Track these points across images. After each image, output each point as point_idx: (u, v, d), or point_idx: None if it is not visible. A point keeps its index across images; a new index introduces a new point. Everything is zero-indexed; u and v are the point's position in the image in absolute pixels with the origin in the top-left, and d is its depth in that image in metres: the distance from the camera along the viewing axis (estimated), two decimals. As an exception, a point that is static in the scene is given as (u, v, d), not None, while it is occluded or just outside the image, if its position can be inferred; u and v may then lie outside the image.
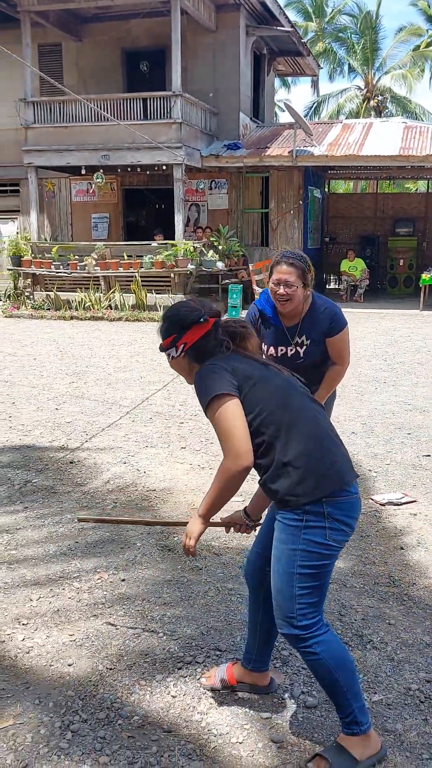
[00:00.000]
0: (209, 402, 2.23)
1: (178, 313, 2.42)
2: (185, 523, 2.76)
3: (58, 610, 3.26)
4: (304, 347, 3.62)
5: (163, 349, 2.45)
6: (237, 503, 4.51)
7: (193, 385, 2.41)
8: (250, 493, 4.74)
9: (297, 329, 3.60)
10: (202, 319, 2.37)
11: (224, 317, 2.52)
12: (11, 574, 3.60)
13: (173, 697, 2.64)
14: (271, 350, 3.66)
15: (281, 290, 3.43)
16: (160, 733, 2.44)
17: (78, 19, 17.05)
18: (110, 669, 2.80)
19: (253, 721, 2.52)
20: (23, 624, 3.12)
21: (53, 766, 2.27)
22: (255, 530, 2.72)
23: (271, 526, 2.44)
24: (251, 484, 3.18)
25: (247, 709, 2.58)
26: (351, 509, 2.28)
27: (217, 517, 2.49)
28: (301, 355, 3.64)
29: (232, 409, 2.21)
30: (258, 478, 2.38)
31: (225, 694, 2.66)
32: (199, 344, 2.38)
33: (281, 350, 3.65)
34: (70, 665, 2.82)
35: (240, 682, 2.67)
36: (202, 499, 2.36)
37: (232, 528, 2.71)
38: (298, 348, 3.63)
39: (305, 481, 2.22)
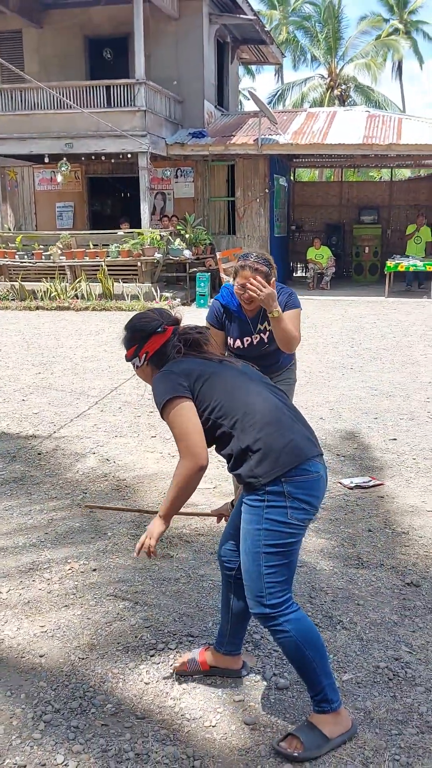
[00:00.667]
0: (163, 406, 2.34)
1: (138, 324, 2.54)
2: (190, 514, 2.84)
3: (28, 601, 3.24)
4: (268, 332, 3.69)
5: (127, 359, 2.57)
6: (208, 490, 4.54)
7: None
8: (220, 479, 4.75)
9: (259, 317, 3.68)
10: (159, 329, 2.50)
11: (183, 324, 2.61)
12: (-20, 566, 3.57)
13: (146, 683, 2.65)
14: (238, 342, 3.74)
15: (246, 295, 3.50)
16: (134, 719, 2.45)
17: (39, 5, 16.78)
18: (82, 659, 2.80)
19: (225, 704, 2.54)
20: (-7, 616, 3.10)
21: (26, 757, 2.27)
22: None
23: (239, 511, 2.50)
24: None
25: (219, 693, 2.60)
26: (312, 488, 2.33)
27: (207, 509, 2.55)
28: (266, 340, 3.72)
29: (185, 411, 2.32)
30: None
31: (198, 678, 2.68)
32: (159, 352, 2.50)
33: (247, 340, 3.73)
34: (41, 656, 2.81)
35: (213, 666, 2.70)
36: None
37: (223, 518, 2.88)
38: (262, 335, 3.71)
39: (263, 462, 2.29)
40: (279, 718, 2.47)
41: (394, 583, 3.39)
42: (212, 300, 3.84)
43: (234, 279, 3.60)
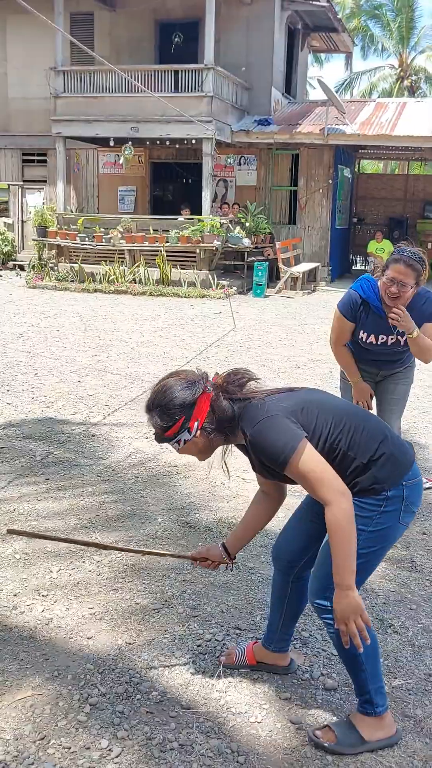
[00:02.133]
0: (288, 458, 2.10)
1: (176, 395, 2.20)
2: (172, 556, 2.84)
3: (78, 582, 3.26)
4: (405, 336, 3.69)
5: (169, 438, 2.25)
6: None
7: (206, 459, 2.35)
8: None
9: None
10: (209, 388, 2.23)
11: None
12: (31, 545, 3.61)
13: (192, 674, 2.63)
14: (372, 338, 3.77)
15: (394, 288, 3.52)
16: (179, 709, 2.43)
17: (111, -13, 16.84)
18: (129, 644, 2.79)
19: (272, 701, 2.50)
20: (43, 595, 3.13)
21: (71, 739, 2.27)
22: (226, 568, 2.63)
23: (307, 511, 2.47)
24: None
25: (266, 689, 2.57)
26: (420, 491, 2.32)
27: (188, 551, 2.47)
28: (401, 343, 3.77)
29: (310, 454, 2.11)
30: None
31: (244, 673, 2.65)
32: (213, 415, 2.22)
33: (382, 338, 3.77)
34: (89, 638, 2.82)
35: (260, 662, 2.66)
36: (340, 568, 2.09)
37: (198, 562, 2.57)
38: (399, 337, 3.75)
39: (385, 468, 2.22)
40: (325, 719, 2.42)
41: (449, 590, 3.29)
42: (349, 290, 3.83)
43: (382, 272, 3.62)
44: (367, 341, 3.78)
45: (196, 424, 2.21)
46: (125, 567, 3.41)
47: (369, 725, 2.27)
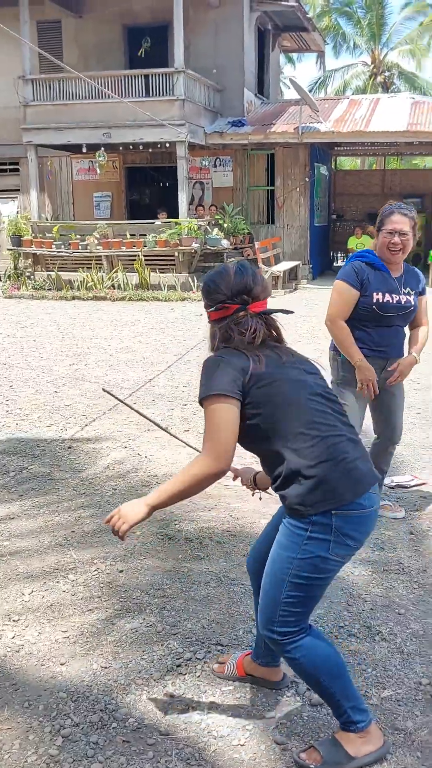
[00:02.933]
0: (205, 398, 2.07)
1: (205, 287, 2.27)
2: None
3: (51, 604, 3.11)
4: (412, 296, 3.71)
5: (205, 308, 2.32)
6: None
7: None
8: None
9: (401, 280, 3.70)
10: (217, 307, 2.23)
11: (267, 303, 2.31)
12: (3, 566, 3.46)
13: (171, 696, 2.49)
14: (387, 296, 3.66)
15: (396, 239, 3.53)
16: (157, 736, 2.30)
17: (78, -6, 16.71)
18: (105, 668, 2.65)
19: (256, 720, 2.37)
20: (14, 620, 2.98)
21: (41, 775, 2.13)
22: (256, 495, 2.62)
23: (279, 520, 2.27)
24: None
25: (250, 708, 2.43)
26: (362, 524, 2.10)
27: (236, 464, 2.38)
28: (412, 302, 3.72)
29: (226, 413, 2.05)
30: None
31: (227, 691, 2.52)
32: (220, 324, 2.21)
33: (395, 297, 3.67)
34: (62, 664, 2.68)
35: (249, 674, 2.55)
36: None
37: (239, 479, 2.62)
38: (408, 297, 3.70)
39: (315, 491, 2.04)
40: (312, 737, 2.29)
41: (438, 592, 3.18)
42: (346, 263, 3.80)
43: (377, 231, 3.63)
44: (384, 300, 3.63)
45: (209, 316, 2.27)
46: (102, 585, 3.27)
47: (354, 741, 2.15)
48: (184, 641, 2.82)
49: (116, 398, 3.00)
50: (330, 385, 2.42)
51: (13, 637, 2.85)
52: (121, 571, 3.39)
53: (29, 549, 3.64)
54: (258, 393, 2.09)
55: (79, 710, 2.42)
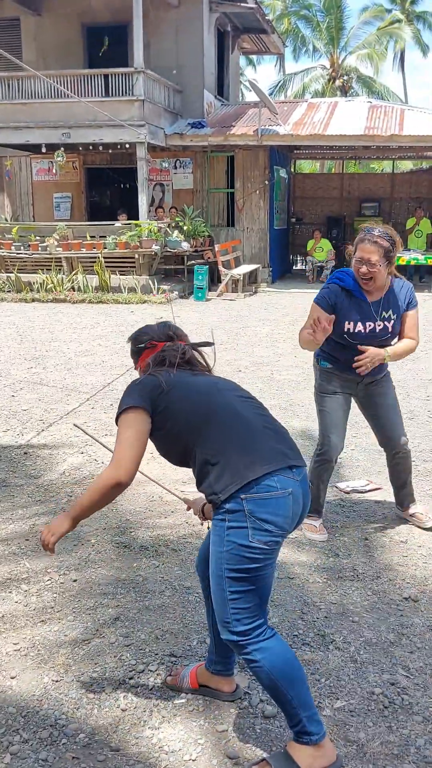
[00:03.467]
0: (118, 415, 2.26)
1: (132, 337, 2.54)
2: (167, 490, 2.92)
3: (3, 615, 3.06)
4: (392, 321, 3.56)
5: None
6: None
7: None
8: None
9: (381, 303, 3.55)
10: (145, 345, 2.47)
11: (175, 343, 2.49)
12: None
13: (123, 710, 2.47)
14: (359, 326, 3.54)
15: (363, 269, 3.41)
16: (108, 752, 2.27)
17: (36, -9, 16.51)
18: (56, 681, 2.61)
19: (208, 734, 2.36)
20: (-36, 632, 2.92)
21: (-12, 796, 2.09)
22: (205, 524, 2.65)
23: None
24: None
25: (201, 722, 2.42)
26: (276, 506, 2.11)
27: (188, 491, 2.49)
28: (389, 330, 3.58)
29: (133, 423, 2.21)
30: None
31: (180, 704, 2.50)
32: (146, 367, 2.44)
33: (369, 326, 3.55)
34: (12, 678, 2.63)
35: (203, 685, 2.54)
36: (78, 501, 2.27)
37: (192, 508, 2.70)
38: (386, 323, 3.57)
39: (221, 477, 2.13)
40: (265, 750, 2.29)
41: (392, 598, 3.20)
42: (326, 283, 3.70)
43: (353, 253, 3.48)
44: (356, 330, 3.52)
45: (139, 369, 2.50)
46: (55, 595, 3.22)
47: (308, 755, 2.14)
48: (137, 653, 2.79)
49: (87, 434, 3.05)
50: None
51: (-39, 652, 2.79)
52: (75, 581, 3.35)
53: (-19, 560, 3.57)
54: (166, 399, 2.25)
55: (29, 726, 2.38)
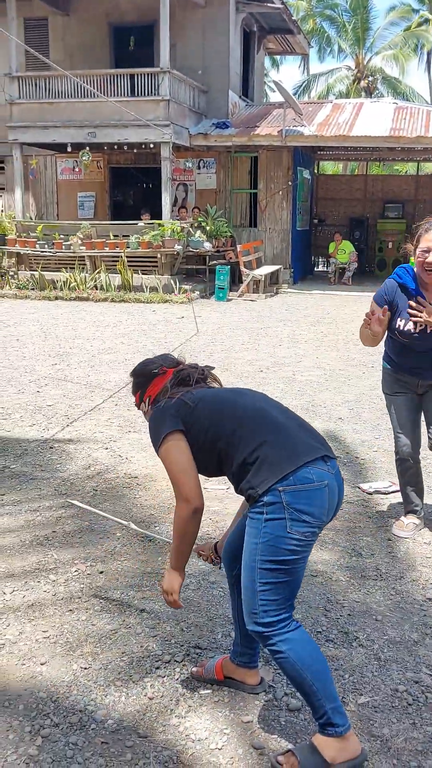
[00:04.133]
0: (158, 448, 2.31)
1: (138, 369, 2.56)
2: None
3: (32, 604, 3.12)
4: None
5: (137, 406, 2.57)
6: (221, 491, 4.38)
7: None
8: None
9: None
10: (157, 371, 2.49)
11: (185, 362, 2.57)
12: (-16, 565, 3.46)
13: (150, 698, 2.52)
14: (410, 325, 3.48)
15: (430, 258, 3.32)
16: (135, 738, 2.32)
17: (64, -9, 16.65)
18: (85, 668, 2.67)
19: (233, 725, 2.40)
20: (-5, 620, 2.99)
21: (21, 776, 2.14)
22: (214, 564, 2.71)
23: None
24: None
25: (227, 712, 2.46)
26: (314, 497, 2.17)
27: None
28: None
29: (177, 451, 2.27)
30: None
31: (205, 695, 2.54)
32: (160, 395, 2.45)
33: (420, 325, 3.46)
34: (42, 664, 2.69)
35: (228, 677, 2.58)
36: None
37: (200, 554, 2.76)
38: None
39: (259, 472, 2.19)
40: (289, 742, 2.32)
41: (415, 598, 3.23)
42: (388, 278, 3.60)
43: (414, 246, 3.40)
44: (405, 329, 3.47)
45: (147, 399, 2.50)
46: (82, 586, 3.28)
47: (332, 747, 2.18)
48: (163, 643, 2.84)
49: (82, 507, 3.27)
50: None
51: (-7, 638, 2.86)
52: (102, 573, 3.41)
53: (10, 548, 3.64)
54: (194, 415, 2.32)
55: (59, 711, 2.44)
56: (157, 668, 2.69)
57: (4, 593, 3.21)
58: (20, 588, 3.26)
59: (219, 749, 2.28)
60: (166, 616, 3.03)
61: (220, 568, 2.73)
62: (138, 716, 2.43)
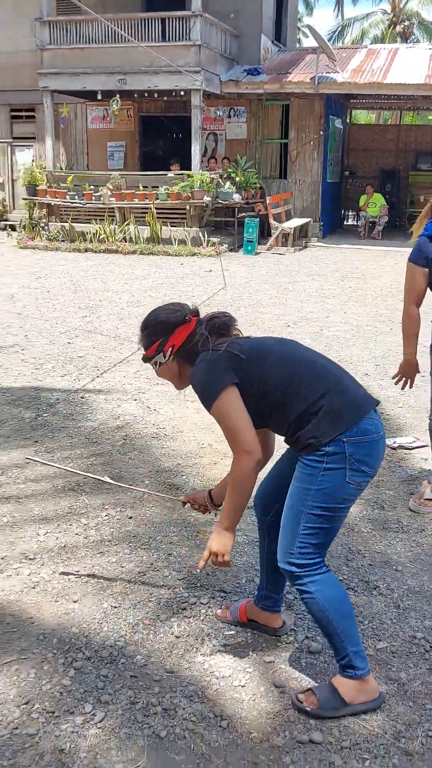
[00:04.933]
0: (212, 402, 2.23)
1: (161, 316, 2.39)
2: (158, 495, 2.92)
3: (65, 546, 3.26)
4: None
5: (148, 358, 2.42)
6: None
7: (182, 389, 2.53)
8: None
9: None
10: (186, 318, 2.36)
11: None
12: (19, 508, 3.60)
13: (177, 637, 2.64)
14: None
15: None
16: (163, 673, 2.45)
17: None
18: (115, 607, 2.80)
19: (255, 664, 2.52)
20: (30, 559, 3.13)
21: (55, 703, 2.28)
22: (214, 514, 2.74)
23: (289, 458, 2.45)
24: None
25: (249, 653, 2.58)
26: (373, 449, 2.24)
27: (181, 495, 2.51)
28: None
29: (232, 405, 2.21)
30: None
31: (229, 635, 2.66)
32: (186, 344, 2.36)
33: None
34: (75, 602, 2.83)
35: (251, 620, 2.69)
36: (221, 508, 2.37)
37: (188, 504, 2.77)
38: None
39: (322, 422, 2.20)
40: (309, 682, 2.44)
41: (435, 550, 3.30)
42: (418, 237, 3.55)
43: None
44: None
45: (170, 348, 2.36)
46: (112, 530, 3.41)
47: (351, 688, 2.28)
48: (189, 586, 2.96)
49: (44, 462, 3.41)
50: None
51: (29, 574, 3.00)
52: (131, 518, 3.53)
53: (44, 493, 3.78)
54: (246, 365, 2.25)
55: (91, 645, 2.57)
56: (184, 609, 2.81)
57: (38, 535, 3.34)
58: (53, 530, 3.39)
59: (242, 686, 2.41)
60: (192, 561, 3.15)
61: (215, 516, 2.78)
62: (165, 653, 2.55)
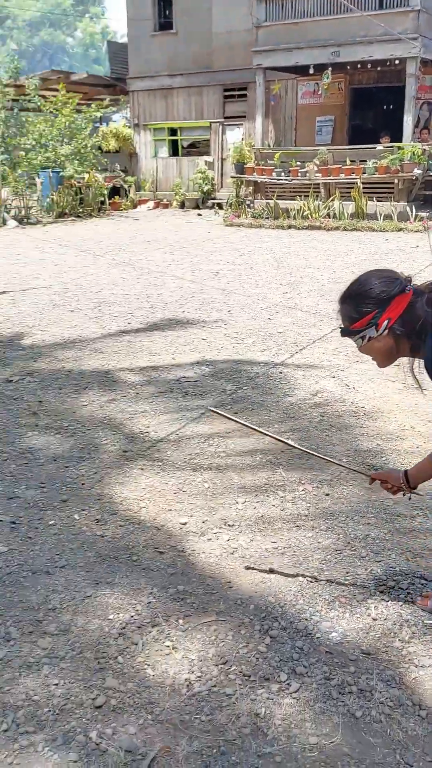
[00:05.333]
0: None
1: (376, 287, 2.11)
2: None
3: (262, 516, 3.31)
4: None
5: (355, 331, 2.15)
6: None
7: (386, 366, 2.26)
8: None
9: None
10: (407, 288, 2.09)
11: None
12: (220, 476, 3.71)
13: (374, 619, 2.58)
14: None
15: None
16: (359, 654, 2.40)
17: None
18: (311, 581, 2.80)
19: (458, 658, 2.40)
20: (229, 525, 3.21)
21: (251, 668, 2.33)
22: (404, 495, 2.49)
23: None
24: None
25: (452, 645, 2.46)
26: None
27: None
28: None
29: None
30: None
31: (429, 625, 2.55)
32: (406, 317, 2.09)
33: None
34: (271, 572, 2.86)
35: None
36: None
37: (378, 482, 2.55)
38: None
39: None
40: None
41: None
42: None
43: None
44: None
45: (386, 322, 2.10)
46: (308, 506, 3.40)
47: None
48: (387, 570, 2.88)
49: (229, 417, 3.23)
50: None
51: (228, 540, 3.09)
52: (327, 495, 3.50)
53: (243, 464, 3.86)
54: None
55: (286, 616, 2.59)
56: (381, 592, 2.74)
57: (237, 503, 3.42)
58: (251, 500, 3.46)
59: (443, 679, 2.30)
60: (391, 544, 3.06)
61: (409, 498, 2.61)
62: (362, 634, 2.51)
